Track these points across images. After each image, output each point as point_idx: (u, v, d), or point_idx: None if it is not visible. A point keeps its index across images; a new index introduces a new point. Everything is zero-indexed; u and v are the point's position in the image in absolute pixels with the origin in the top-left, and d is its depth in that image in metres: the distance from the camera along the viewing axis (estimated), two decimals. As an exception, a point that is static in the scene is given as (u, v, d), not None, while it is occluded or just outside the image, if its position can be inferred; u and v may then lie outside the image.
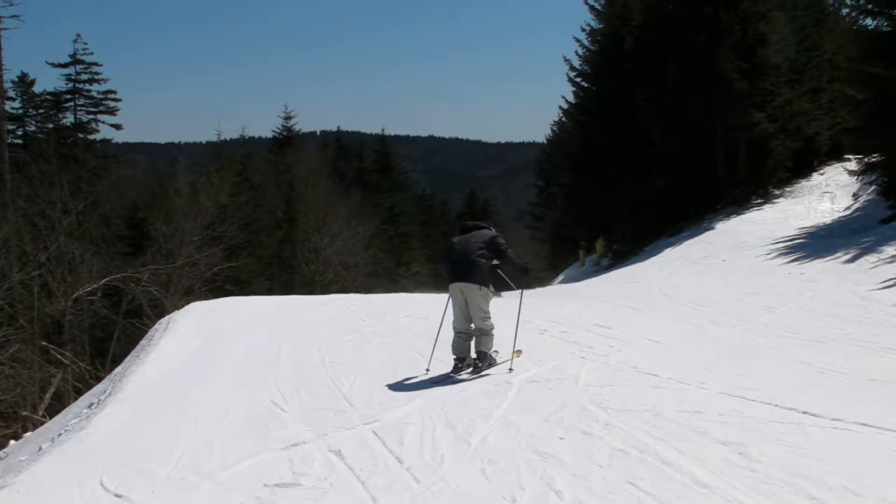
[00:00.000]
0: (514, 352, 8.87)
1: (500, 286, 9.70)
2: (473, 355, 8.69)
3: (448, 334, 8.74)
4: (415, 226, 56.71)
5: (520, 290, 9.77)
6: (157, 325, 14.48)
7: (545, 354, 9.12)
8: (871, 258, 16.01)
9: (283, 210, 42.28)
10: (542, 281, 39.16)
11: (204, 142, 73.93)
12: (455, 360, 8.65)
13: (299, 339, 11.68)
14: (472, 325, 8.64)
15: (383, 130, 60.73)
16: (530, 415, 6.48)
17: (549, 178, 49.68)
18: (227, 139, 46.12)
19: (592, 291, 17.30)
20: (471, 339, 8.72)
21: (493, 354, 8.78)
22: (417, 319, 13.08)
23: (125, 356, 13.04)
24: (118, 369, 11.60)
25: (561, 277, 36.08)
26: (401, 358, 9.66)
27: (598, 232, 34.57)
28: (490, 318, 8.59)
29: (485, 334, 8.61)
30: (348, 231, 40.31)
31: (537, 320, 12.44)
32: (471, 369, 8.55)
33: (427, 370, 8.72)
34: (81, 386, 21.87)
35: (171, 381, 9.62)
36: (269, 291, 31.79)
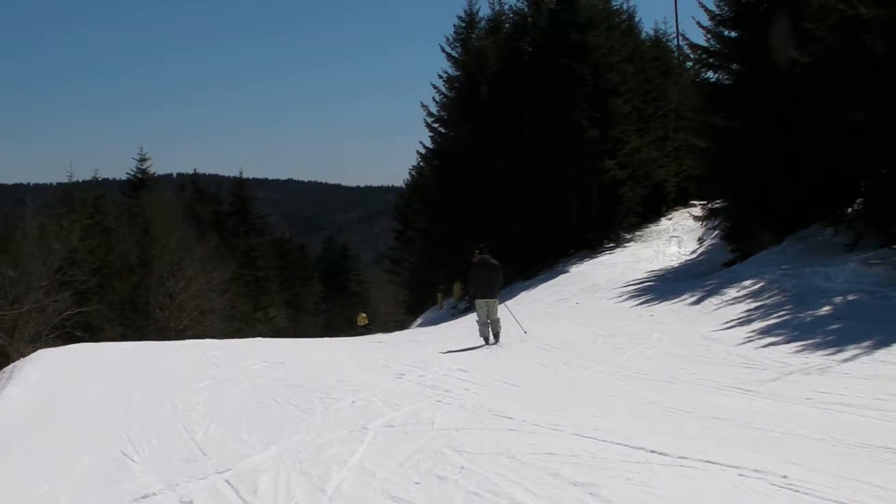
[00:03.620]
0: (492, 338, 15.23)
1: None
2: (492, 339, 15.13)
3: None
4: (272, 270, 55.96)
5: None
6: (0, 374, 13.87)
7: (402, 399, 9.14)
8: (714, 300, 16.66)
9: (137, 254, 41.09)
10: (401, 324, 39.28)
11: (54, 183, 71.34)
12: (483, 339, 15.15)
13: (152, 387, 11.37)
14: (489, 320, 15.10)
15: (241, 173, 59.94)
16: (386, 460, 6.46)
17: (408, 223, 49.93)
18: (79, 181, 44.53)
19: (450, 335, 17.44)
20: (489, 328, 15.13)
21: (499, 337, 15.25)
22: (273, 365, 12.94)
23: (-37, 408, 12.40)
24: (-44, 422, 11.01)
25: (419, 321, 36.19)
26: (256, 404, 9.51)
27: (456, 276, 34.82)
28: (499, 314, 15.26)
29: (497, 324, 15.20)
30: (204, 275, 39.53)
31: (394, 364, 12.48)
32: (494, 342, 15.05)
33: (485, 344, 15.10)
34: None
35: (13, 434, 9.19)
36: (122, 338, 30.78)
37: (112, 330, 34.30)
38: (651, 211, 32.52)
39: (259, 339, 20.83)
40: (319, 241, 78.70)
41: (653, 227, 31.91)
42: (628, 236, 31.06)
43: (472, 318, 17.22)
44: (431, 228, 37.29)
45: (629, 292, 20.85)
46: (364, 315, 34.12)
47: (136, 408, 9.94)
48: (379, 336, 22.84)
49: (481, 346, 15.02)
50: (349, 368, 12.36)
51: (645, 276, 23.56)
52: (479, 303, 15.21)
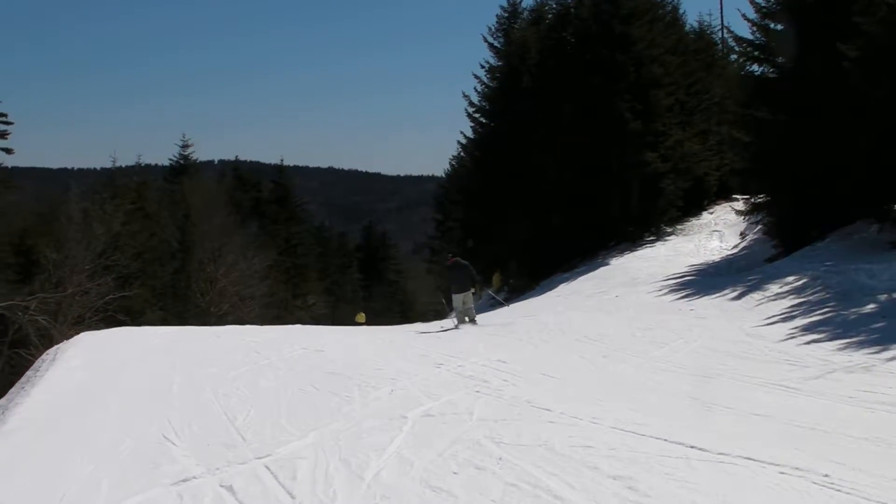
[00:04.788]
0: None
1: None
2: (468, 322, 17.61)
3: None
4: (312, 258, 56.23)
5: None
6: (44, 356, 14.04)
7: (440, 388, 9.15)
8: (756, 296, 16.49)
9: (178, 240, 41.43)
10: (439, 314, 39.29)
11: (98, 168, 71.98)
12: (459, 324, 17.56)
13: (192, 372, 11.48)
14: (465, 308, 17.67)
15: (282, 161, 60.18)
16: (424, 449, 6.48)
17: (447, 213, 49.93)
18: (122, 166, 44.97)
19: (489, 325, 17.44)
20: (464, 315, 17.68)
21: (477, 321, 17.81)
22: (312, 352, 13.00)
23: (9, 388, 12.60)
24: (1, 402, 11.20)
25: (458, 311, 36.18)
26: (295, 391, 9.57)
27: (495, 266, 34.81)
28: (472, 304, 17.93)
29: (472, 311, 17.85)
30: (244, 262, 39.83)
31: (433, 354, 12.49)
32: (472, 325, 17.47)
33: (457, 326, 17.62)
34: (-39, 419, 20.96)
35: (57, 415, 9.34)
36: (163, 322, 31.07)
37: (153, 314, 34.64)
38: (692, 205, 32.20)
39: (298, 326, 20.94)
40: (359, 229, 78.69)
41: (694, 221, 31.61)
42: (669, 230, 30.82)
43: (511, 309, 17.83)
44: (470, 218, 37.28)
45: (669, 286, 20.70)
46: (363, 314, 34.81)
47: (177, 392, 10.04)
48: (417, 325, 22.90)
49: (478, 330, 17.08)
50: (388, 357, 12.40)
51: (685, 270, 23.39)
52: (456, 296, 17.88)
